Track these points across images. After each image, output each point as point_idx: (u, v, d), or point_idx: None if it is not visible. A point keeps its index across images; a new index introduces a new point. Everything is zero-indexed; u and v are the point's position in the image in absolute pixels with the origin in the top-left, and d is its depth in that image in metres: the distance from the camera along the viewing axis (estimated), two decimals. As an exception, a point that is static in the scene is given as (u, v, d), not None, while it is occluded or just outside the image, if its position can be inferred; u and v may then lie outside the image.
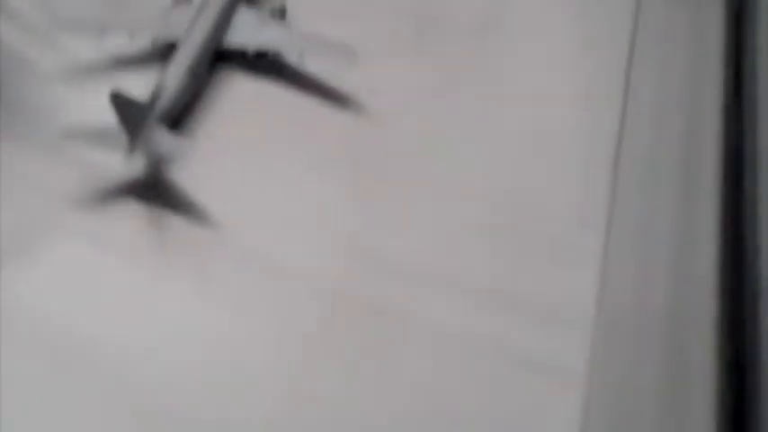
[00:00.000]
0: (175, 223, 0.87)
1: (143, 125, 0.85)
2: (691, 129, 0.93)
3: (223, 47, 0.98)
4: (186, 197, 0.88)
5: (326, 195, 0.90)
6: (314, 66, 0.99)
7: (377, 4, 1.07)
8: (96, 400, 0.75)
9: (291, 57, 0.99)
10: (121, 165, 0.87)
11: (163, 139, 0.87)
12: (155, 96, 0.89)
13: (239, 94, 0.98)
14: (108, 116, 0.84)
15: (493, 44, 1.04)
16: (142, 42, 0.99)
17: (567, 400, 0.75)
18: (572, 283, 0.83)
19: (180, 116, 0.93)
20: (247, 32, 0.99)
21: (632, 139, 0.92)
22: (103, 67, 0.99)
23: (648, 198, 0.88)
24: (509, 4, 1.08)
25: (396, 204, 0.89)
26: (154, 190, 0.89)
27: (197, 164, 0.89)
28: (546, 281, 0.83)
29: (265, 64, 0.99)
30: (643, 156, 0.91)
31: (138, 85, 0.90)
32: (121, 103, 0.83)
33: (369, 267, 0.84)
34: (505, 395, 0.76)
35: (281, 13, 1.02)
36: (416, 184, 0.91)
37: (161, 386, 0.76)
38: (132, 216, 0.87)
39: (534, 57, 1.02)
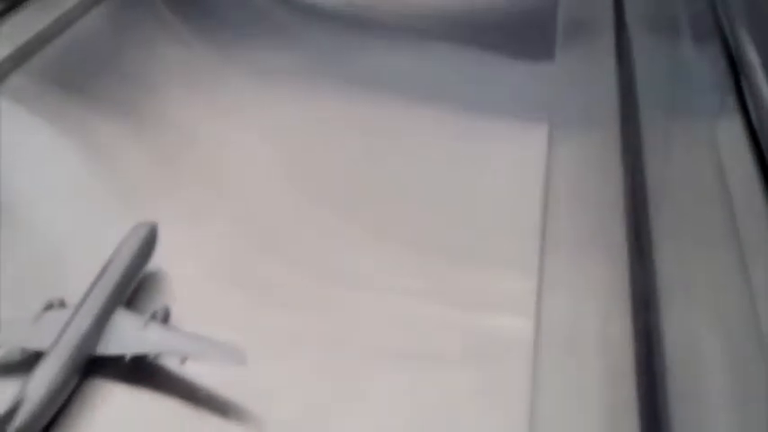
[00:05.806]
0: None
1: None
2: None
3: (96, 354, 0.92)
4: None
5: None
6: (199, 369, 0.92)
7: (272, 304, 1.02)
8: None
9: (172, 361, 0.93)
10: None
11: None
12: (13, 408, 0.82)
13: (112, 404, 0.91)
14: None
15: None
16: (8, 351, 0.93)
17: None
18: None
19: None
20: (124, 338, 0.93)
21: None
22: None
23: None
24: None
25: None
26: None
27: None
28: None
29: (144, 369, 0.93)
30: None
31: (2, 399, 0.83)
32: None
33: None
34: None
35: (163, 317, 0.97)
36: None
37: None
38: None
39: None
